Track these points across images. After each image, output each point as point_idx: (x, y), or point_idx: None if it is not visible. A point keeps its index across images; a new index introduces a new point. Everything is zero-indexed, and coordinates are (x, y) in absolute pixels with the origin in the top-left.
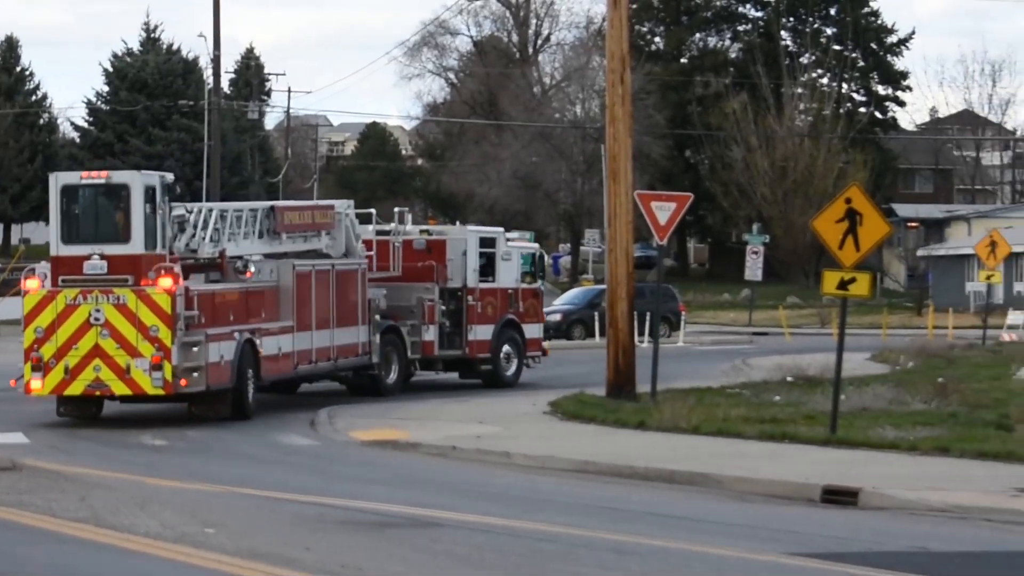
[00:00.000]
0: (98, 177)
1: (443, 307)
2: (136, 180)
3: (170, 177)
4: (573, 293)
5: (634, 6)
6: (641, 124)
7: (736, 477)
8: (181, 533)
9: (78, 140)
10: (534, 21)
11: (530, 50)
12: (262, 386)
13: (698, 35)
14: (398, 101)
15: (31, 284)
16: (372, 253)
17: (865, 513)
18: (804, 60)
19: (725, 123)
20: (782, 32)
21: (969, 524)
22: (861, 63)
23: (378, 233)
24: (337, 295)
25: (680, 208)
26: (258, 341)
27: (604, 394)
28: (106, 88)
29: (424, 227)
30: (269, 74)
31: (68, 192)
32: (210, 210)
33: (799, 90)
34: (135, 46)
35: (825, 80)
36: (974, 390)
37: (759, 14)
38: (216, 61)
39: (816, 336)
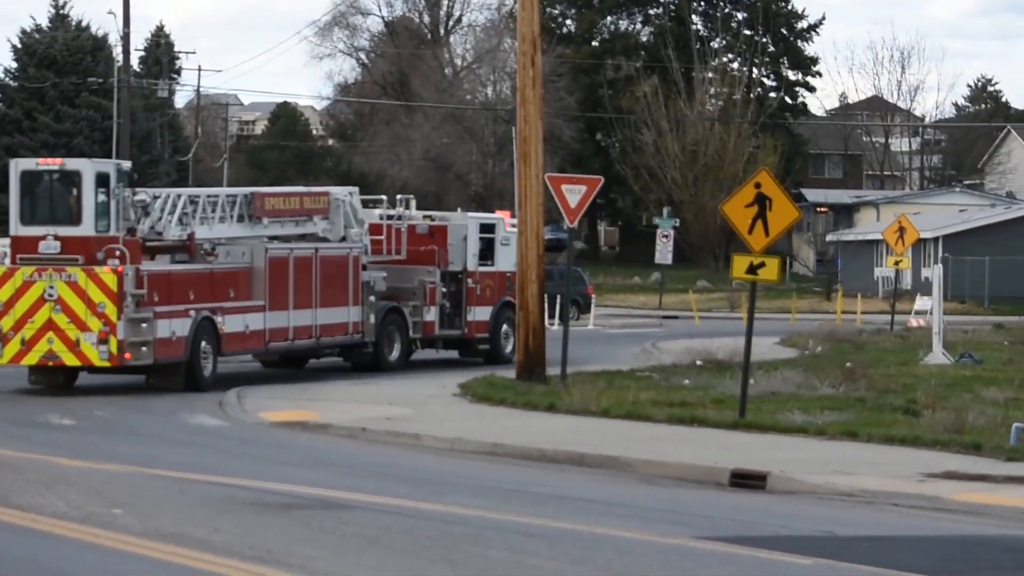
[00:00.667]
0: (53, 164)
1: (443, 289)
2: (87, 167)
3: (127, 165)
4: None
5: None
6: (552, 107)
7: (645, 460)
8: (88, 513)
9: None
10: (446, 2)
11: (442, 31)
12: (271, 360)
13: (609, 18)
14: (309, 81)
15: None
16: (382, 237)
17: (773, 497)
18: (715, 44)
19: (636, 106)
20: (693, 16)
21: (876, 508)
22: (771, 48)
23: (387, 218)
24: (321, 277)
25: (590, 191)
26: (219, 319)
27: (514, 376)
28: (14, 65)
29: (427, 212)
30: (179, 52)
31: (26, 177)
32: (179, 195)
33: (710, 74)
34: (44, 22)
35: (736, 65)
36: (882, 375)
37: None
38: (126, 39)
39: (726, 320)
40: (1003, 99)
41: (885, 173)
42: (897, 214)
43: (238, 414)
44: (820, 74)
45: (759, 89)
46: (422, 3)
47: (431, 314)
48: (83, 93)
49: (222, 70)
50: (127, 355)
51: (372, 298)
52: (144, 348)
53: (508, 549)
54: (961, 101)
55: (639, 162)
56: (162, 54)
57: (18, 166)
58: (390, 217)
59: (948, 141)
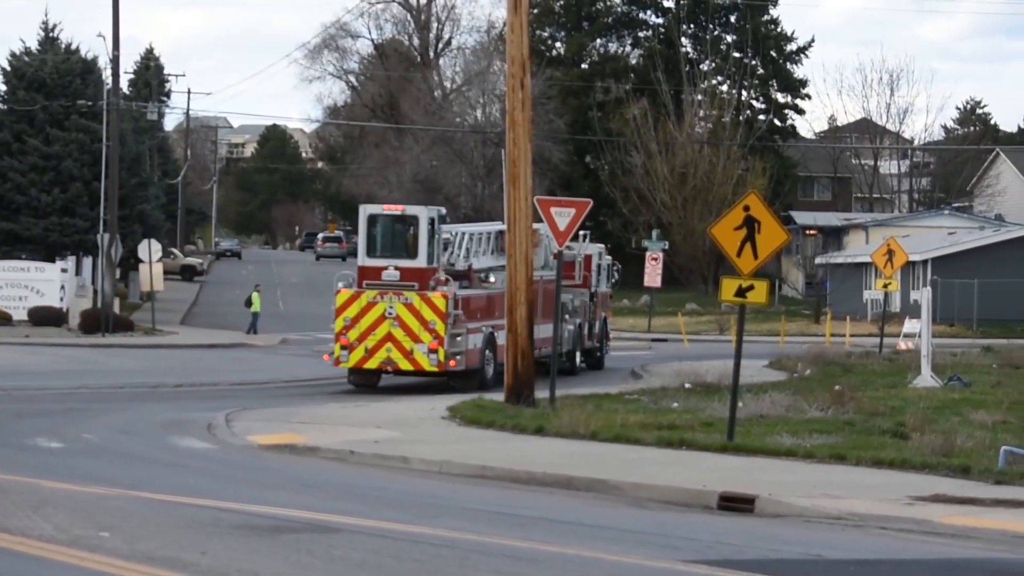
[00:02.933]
0: (395, 209)
1: (592, 307)
2: (423, 213)
3: (443, 211)
4: None
5: (535, 11)
6: (541, 129)
7: (634, 483)
8: (75, 536)
9: None
10: (435, 25)
11: (431, 54)
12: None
13: (599, 41)
14: (299, 104)
15: (342, 288)
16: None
17: (761, 520)
18: (704, 67)
19: (625, 129)
20: (682, 39)
21: (864, 532)
22: (760, 71)
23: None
24: (544, 300)
25: (579, 214)
26: (496, 334)
27: (503, 399)
28: (4, 88)
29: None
30: (169, 75)
31: (371, 219)
32: (463, 233)
33: (699, 97)
34: (33, 45)
35: (725, 87)
36: (870, 398)
37: (659, 20)
38: (115, 61)
39: (715, 343)
40: (992, 121)
41: (874, 195)
42: (886, 237)
43: (227, 437)
44: (809, 96)
45: (748, 111)
46: (412, 26)
47: (587, 328)
48: (72, 116)
49: (211, 93)
50: (452, 362)
51: (567, 316)
52: (459, 357)
53: (496, 572)
54: (950, 123)
55: (628, 184)
56: (151, 76)
57: (365, 210)
58: (569, 248)
59: (937, 163)
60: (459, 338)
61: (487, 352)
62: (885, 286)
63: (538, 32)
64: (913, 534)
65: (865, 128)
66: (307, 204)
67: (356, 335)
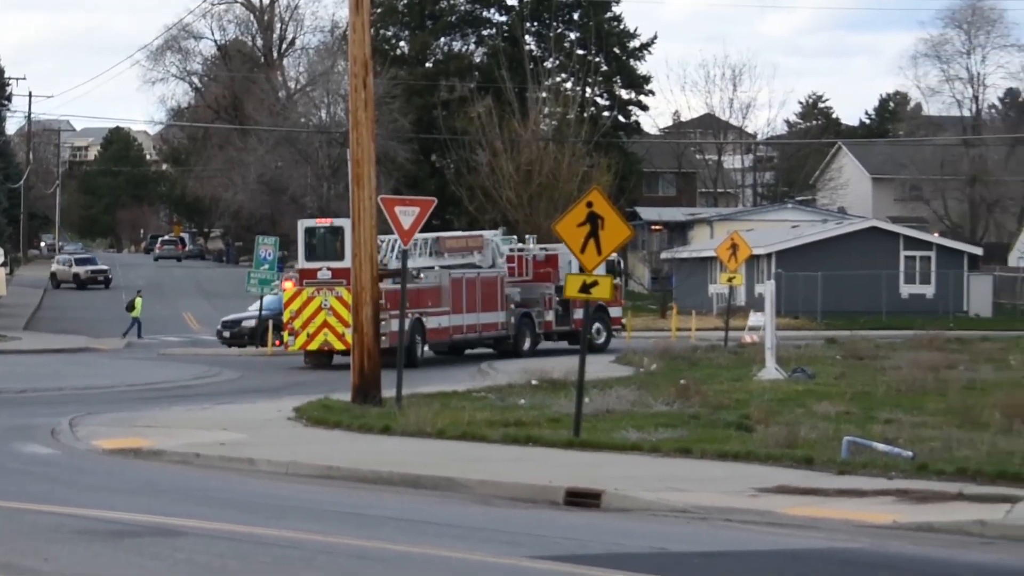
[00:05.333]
0: (326, 222)
1: (557, 298)
2: (347, 223)
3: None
4: (271, 299)
5: (378, 10)
6: (386, 128)
7: (480, 481)
8: None
9: None
10: (279, 25)
11: (275, 54)
12: (439, 350)
13: (443, 39)
14: (142, 106)
15: (287, 285)
16: (514, 264)
17: (608, 515)
18: (548, 65)
19: (470, 127)
20: (526, 37)
21: (709, 524)
22: (604, 68)
23: (517, 250)
24: (482, 292)
25: (424, 212)
26: (425, 320)
27: (349, 399)
28: None
29: (544, 245)
30: (9, 78)
31: (308, 230)
32: (394, 240)
33: (543, 94)
34: None
35: (569, 84)
36: (716, 391)
37: (503, 19)
38: None
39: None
40: (834, 115)
41: (718, 190)
42: (730, 231)
43: (71, 442)
44: (653, 93)
45: (593, 108)
46: (255, 27)
47: (549, 315)
48: None
49: (53, 95)
50: None
51: (512, 306)
52: (384, 337)
53: (342, 573)
54: (793, 118)
55: (474, 182)
56: None
57: (303, 224)
58: (520, 249)
59: (780, 158)
60: (384, 322)
61: (415, 336)
62: (730, 280)
63: (382, 31)
64: (757, 525)
65: (709, 123)
66: (152, 207)
67: (300, 323)
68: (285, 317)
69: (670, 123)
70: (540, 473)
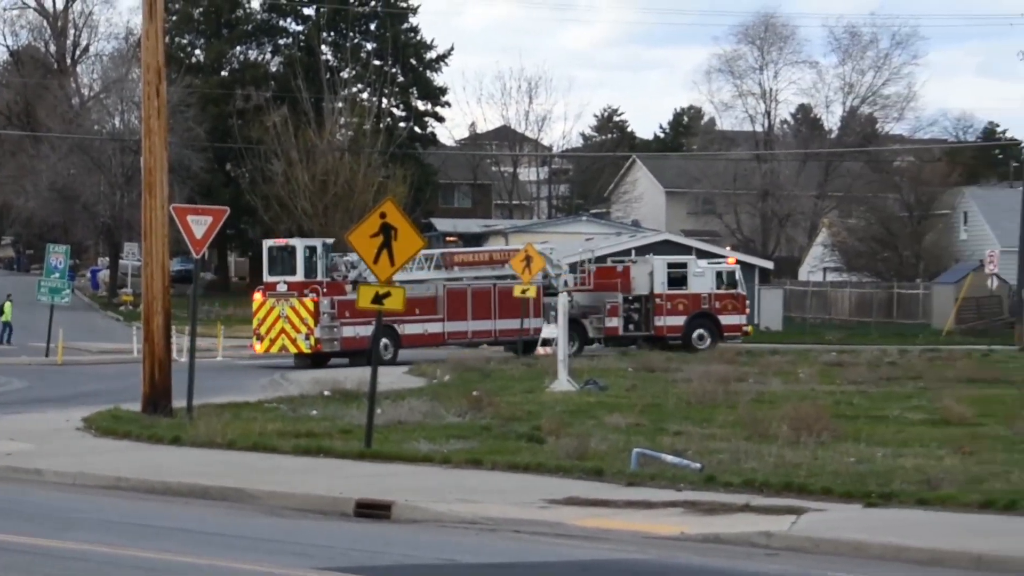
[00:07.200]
0: (282, 242)
1: (625, 305)
2: (299, 243)
3: (328, 241)
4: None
5: (174, 18)
6: (180, 137)
7: (270, 492)
8: None
9: None
10: (72, 31)
11: (68, 60)
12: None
13: (239, 48)
14: None
15: (257, 296)
16: (584, 275)
17: (398, 526)
18: (345, 75)
19: (266, 136)
20: (323, 47)
21: (498, 536)
22: (401, 79)
23: (590, 262)
24: (499, 300)
25: (217, 222)
26: (398, 327)
27: (140, 409)
28: None
29: (621, 258)
30: None
31: (270, 249)
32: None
33: (339, 104)
34: None
35: (366, 95)
36: (508, 403)
37: (300, 28)
38: None
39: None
40: (629, 129)
41: (514, 202)
42: (525, 243)
43: None
44: (449, 104)
45: (389, 119)
46: (48, 32)
47: (613, 322)
48: None
49: None
50: (319, 346)
51: (552, 313)
52: (335, 342)
53: None
54: (588, 131)
55: (269, 192)
56: None
57: (267, 243)
58: (589, 261)
59: (575, 171)
60: (335, 329)
61: (383, 340)
62: (524, 292)
63: (177, 39)
64: (547, 537)
65: (505, 135)
66: None
67: (264, 330)
68: (253, 324)
69: (467, 135)
70: (331, 484)
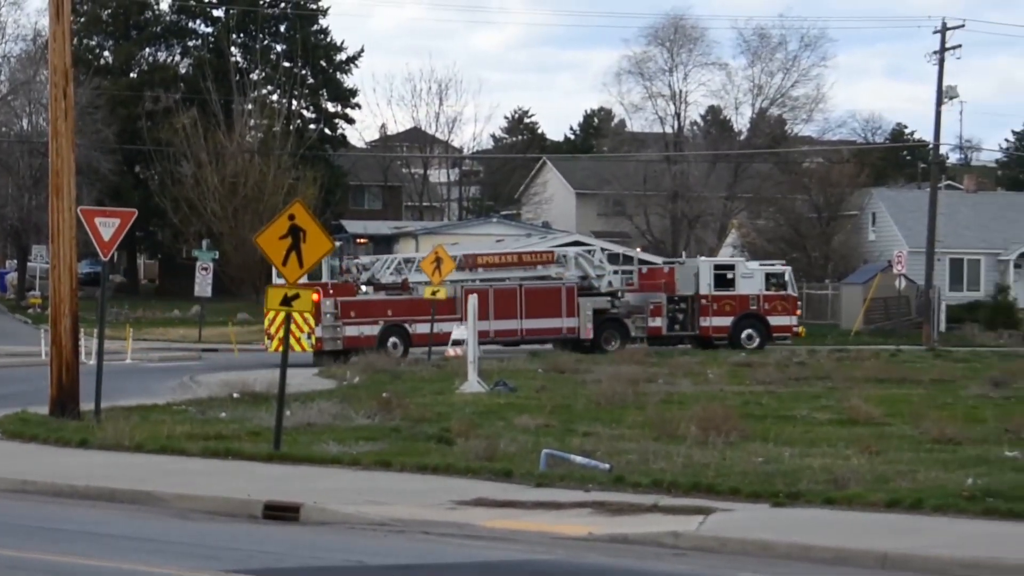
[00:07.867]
0: None
1: (670, 306)
2: None
3: (338, 244)
4: None
5: (82, 19)
6: (89, 139)
7: (178, 494)
8: None
9: None
10: None
11: None
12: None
13: (148, 50)
14: None
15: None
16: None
17: (306, 528)
18: (254, 76)
19: (175, 138)
20: (232, 48)
21: (407, 537)
22: (311, 80)
23: (638, 263)
24: (527, 300)
25: (124, 224)
26: (409, 327)
27: (48, 412)
28: None
29: (669, 260)
30: None
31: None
32: (394, 258)
33: (249, 106)
34: None
35: (275, 97)
36: (418, 405)
37: (209, 30)
38: None
39: (265, 352)
40: (539, 131)
41: (424, 204)
42: (435, 244)
43: None
44: (360, 106)
45: (299, 121)
46: None
47: (657, 322)
48: None
49: None
50: (319, 344)
51: (589, 312)
52: (337, 341)
53: None
54: (499, 133)
55: (179, 194)
56: None
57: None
58: (633, 263)
59: (486, 172)
60: (336, 328)
61: (391, 338)
62: (433, 293)
63: (86, 41)
64: (455, 538)
65: (416, 137)
66: None
67: (273, 329)
68: (265, 325)
69: (377, 137)
70: (239, 487)
